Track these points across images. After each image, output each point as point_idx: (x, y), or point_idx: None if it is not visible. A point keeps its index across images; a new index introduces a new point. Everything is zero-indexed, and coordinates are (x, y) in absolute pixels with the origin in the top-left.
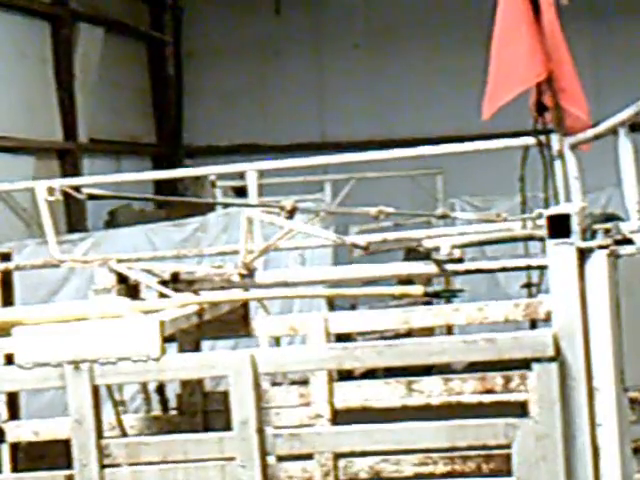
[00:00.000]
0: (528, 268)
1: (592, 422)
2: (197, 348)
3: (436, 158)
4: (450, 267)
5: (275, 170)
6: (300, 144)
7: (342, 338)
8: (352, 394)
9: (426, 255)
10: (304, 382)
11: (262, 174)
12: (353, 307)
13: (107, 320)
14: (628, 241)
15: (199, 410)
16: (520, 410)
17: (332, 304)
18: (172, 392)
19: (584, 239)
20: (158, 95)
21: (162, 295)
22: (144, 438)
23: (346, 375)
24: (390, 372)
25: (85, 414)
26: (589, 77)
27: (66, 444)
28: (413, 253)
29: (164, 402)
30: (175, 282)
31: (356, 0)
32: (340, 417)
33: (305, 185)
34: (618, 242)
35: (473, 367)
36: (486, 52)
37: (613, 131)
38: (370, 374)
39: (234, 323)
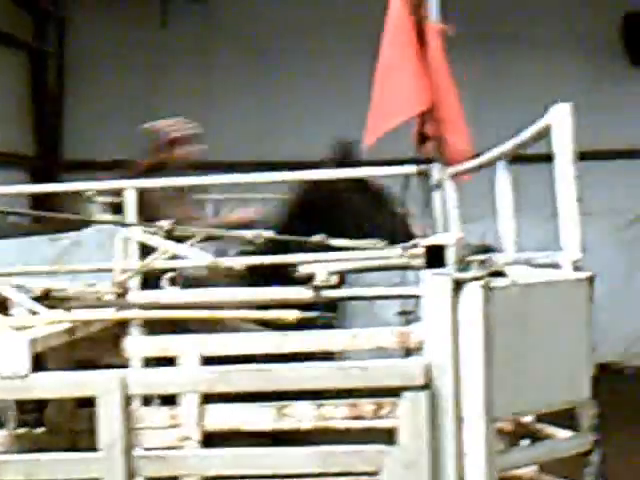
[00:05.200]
0: (403, 297)
1: (459, 451)
2: (69, 367)
3: None
4: (326, 293)
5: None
6: None
7: (217, 361)
8: (223, 417)
9: (304, 280)
10: (175, 402)
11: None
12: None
13: None
14: (502, 274)
15: (66, 428)
16: (391, 438)
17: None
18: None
19: (459, 270)
20: (38, 107)
21: (33, 312)
22: (7, 456)
23: (221, 397)
24: (267, 396)
25: None
26: (473, 107)
27: None
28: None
29: (30, 420)
30: (47, 299)
31: (245, 17)
32: (214, 440)
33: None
34: (492, 274)
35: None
36: (371, 78)
37: (493, 163)
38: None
39: (106, 342)
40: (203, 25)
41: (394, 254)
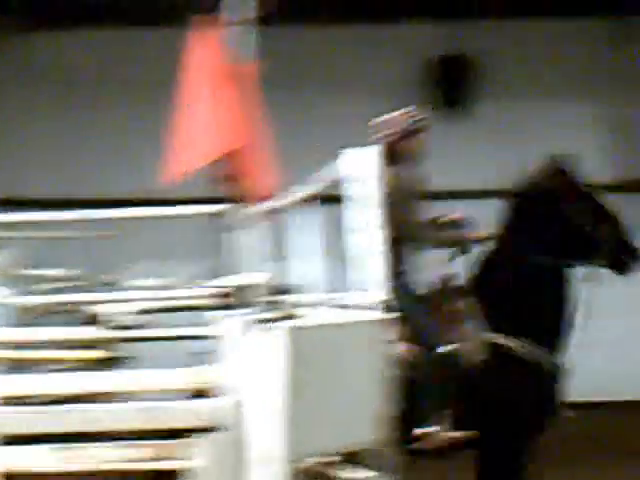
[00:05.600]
0: (198, 337)
1: None
2: None
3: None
4: (121, 334)
5: None
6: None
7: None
8: (18, 459)
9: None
10: None
11: None
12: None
13: None
14: (300, 316)
15: None
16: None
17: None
18: None
19: (258, 311)
20: None
21: None
22: None
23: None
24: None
25: None
26: (282, 146)
27: None
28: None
29: None
30: None
31: (59, 52)
32: None
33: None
34: (290, 315)
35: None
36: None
37: (300, 203)
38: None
39: None
40: (24, 59)
41: (201, 294)
